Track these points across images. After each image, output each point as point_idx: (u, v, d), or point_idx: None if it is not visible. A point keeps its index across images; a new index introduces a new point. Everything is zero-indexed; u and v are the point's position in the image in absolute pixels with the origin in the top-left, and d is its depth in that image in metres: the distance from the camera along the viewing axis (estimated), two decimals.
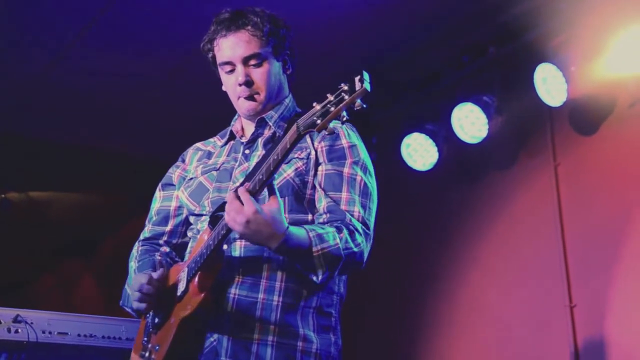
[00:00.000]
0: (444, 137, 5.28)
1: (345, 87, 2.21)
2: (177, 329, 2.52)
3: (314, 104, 2.26)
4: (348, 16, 4.95)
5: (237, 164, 2.74)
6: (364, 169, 2.69)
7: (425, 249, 5.63)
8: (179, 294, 2.57)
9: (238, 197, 2.33)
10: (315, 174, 2.64)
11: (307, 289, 2.57)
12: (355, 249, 2.52)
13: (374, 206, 2.70)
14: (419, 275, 5.62)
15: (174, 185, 2.93)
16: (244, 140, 2.80)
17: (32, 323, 4.04)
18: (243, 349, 2.49)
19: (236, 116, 2.88)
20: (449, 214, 5.52)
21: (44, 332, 4.09)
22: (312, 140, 2.68)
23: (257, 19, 2.70)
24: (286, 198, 2.59)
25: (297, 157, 2.64)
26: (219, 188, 2.71)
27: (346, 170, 2.64)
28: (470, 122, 5.01)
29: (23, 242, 8.24)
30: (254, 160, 2.69)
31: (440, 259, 5.50)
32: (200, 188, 2.77)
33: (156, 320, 2.65)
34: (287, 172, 2.57)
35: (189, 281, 2.53)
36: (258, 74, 2.71)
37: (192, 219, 2.81)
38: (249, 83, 2.70)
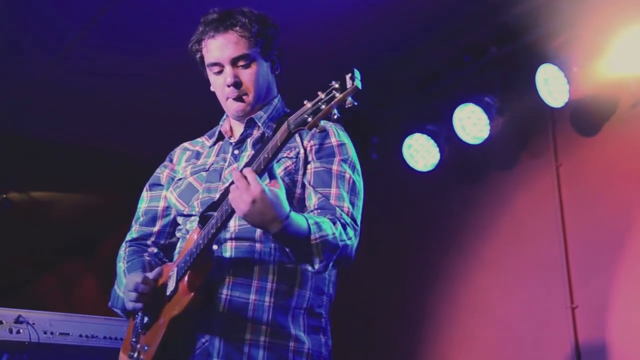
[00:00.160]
0: (445, 137, 5.28)
1: (337, 85, 2.21)
2: (167, 329, 2.51)
3: (305, 102, 2.26)
4: (349, 16, 4.94)
5: (227, 164, 2.75)
6: (352, 167, 2.71)
7: (427, 249, 5.62)
8: (168, 293, 2.56)
9: (244, 177, 2.31)
10: (304, 173, 2.65)
11: (298, 290, 2.58)
12: (348, 242, 2.53)
13: (361, 204, 2.71)
14: (420, 276, 5.62)
15: (162, 185, 2.92)
16: (232, 140, 2.81)
17: (33, 324, 4.05)
18: (235, 349, 2.48)
19: (224, 116, 2.89)
20: (450, 214, 5.52)
21: (45, 333, 4.10)
22: (302, 139, 2.69)
23: (245, 19, 2.70)
24: None
25: (287, 157, 2.65)
26: (208, 188, 2.71)
27: (335, 167, 2.66)
28: (471, 123, 5.01)
29: (24, 242, 8.25)
30: (243, 161, 2.70)
31: (441, 260, 5.50)
32: (190, 189, 2.77)
33: (145, 320, 2.64)
34: (276, 171, 2.55)
35: (178, 281, 2.53)
36: (246, 75, 2.71)
37: (180, 219, 2.80)
38: (237, 84, 2.70)
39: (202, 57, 2.79)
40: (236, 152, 2.76)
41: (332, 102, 2.20)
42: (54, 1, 4.79)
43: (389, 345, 5.73)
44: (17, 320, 4.05)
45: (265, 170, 2.36)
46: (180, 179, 2.85)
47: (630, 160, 4.45)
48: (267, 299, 2.53)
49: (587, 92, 4.46)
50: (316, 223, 2.43)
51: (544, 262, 4.80)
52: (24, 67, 5.49)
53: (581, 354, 4.47)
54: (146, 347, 2.58)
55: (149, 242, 2.89)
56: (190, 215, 2.72)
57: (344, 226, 2.53)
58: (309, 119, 2.23)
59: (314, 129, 2.24)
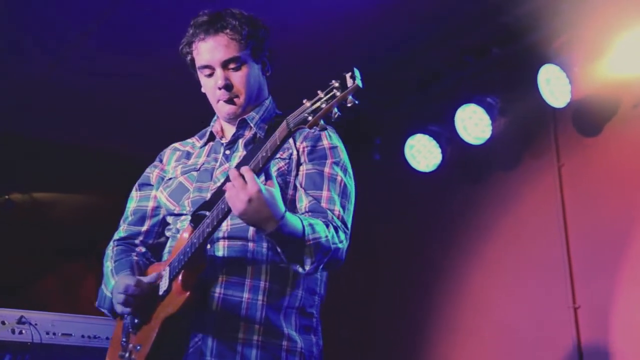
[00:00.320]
0: (447, 138, 5.29)
1: (336, 84, 2.21)
2: (160, 328, 2.51)
3: (304, 101, 2.26)
4: (351, 16, 4.94)
5: (218, 164, 2.76)
6: (344, 170, 2.72)
7: (428, 249, 5.62)
8: (161, 293, 2.56)
9: (241, 175, 2.32)
10: (296, 174, 2.66)
11: (290, 289, 2.59)
12: (340, 245, 2.55)
13: (352, 207, 2.72)
14: (422, 276, 5.61)
15: (152, 185, 2.93)
16: (224, 141, 2.82)
17: (36, 324, 4.06)
18: (228, 348, 2.49)
19: (215, 117, 2.89)
20: (452, 215, 5.51)
21: (48, 333, 4.11)
22: (295, 141, 2.70)
23: (235, 22, 2.71)
24: None
25: (280, 157, 2.66)
26: (199, 188, 2.72)
27: (327, 170, 2.67)
28: (473, 123, 5.01)
29: (25, 242, 8.24)
30: (235, 161, 2.71)
31: (443, 260, 5.50)
32: (181, 188, 2.77)
33: (136, 320, 2.63)
34: (272, 171, 2.56)
35: (171, 280, 2.53)
36: (237, 78, 2.72)
37: (170, 219, 2.80)
38: (228, 87, 2.71)
39: (192, 60, 2.80)
40: (227, 152, 2.77)
41: (333, 101, 2.21)
42: (54, 1, 4.79)
43: (390, 346, 5.73)
44: (20, 321, 4.06)
45: (263, 168, 2.36)
46: (170, 178, 2.85)
47: (632, 161, 4.45)
48: (260, 297, 2.54)
49: (589, 92, 4.46)
50: (310, 225, 2.44)
51: (546, 262, 4.80)
52: (25, 68, 5.48)
53: (583, 354, 4.47)
54: (138, 347, 2.57)
55: (137, 242, 2.89)
56: (180, 215, 2.73)
57: (335, 229, 2.55)
58: (309, 118, 2.23)
59: (314, 128, 2.25)
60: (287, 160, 2.66)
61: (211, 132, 2.87)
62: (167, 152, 2.98)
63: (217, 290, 2.53)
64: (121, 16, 4.90)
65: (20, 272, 9.39)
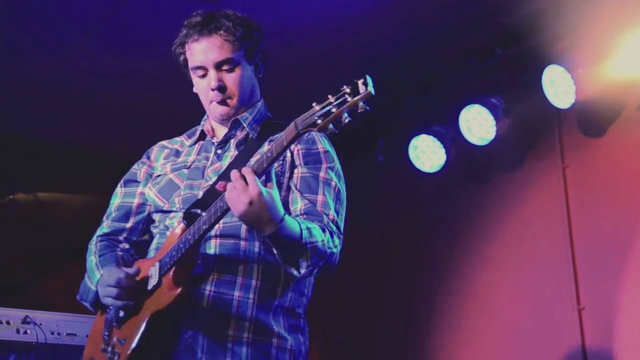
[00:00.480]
0: (451, 138, 5.28)
1: (348, 90, 2.22)
2: (149, 322, 2.51)
3: (314, 105, 2.26)
4: (355, 17, 4.95)
5: (209, 163, 2.76)
6: (338, 176, 2.74)
7: (432, 250, 5.62)
8: (149, 288, 2.56)
9: (243, 177, 2.32)
10: (290, 176, 2.67)
11: (281, 289, 2.59)
12: (334, 250, 2.56)
13: (344, 212, 2.74)
14: (426, 277, 5.61)
15: (138, 182, 2.92)
16: (215, 140, 2.82)
17: (41, 324, 4.06)
18: (219, 345, 2.50)
19: (205, 116, 2.90)
20: (456, 216, 5.51)
21: (52, 333, 4.11)
22: None
23: (229, 23, 2.71)
24: None
25: None
26: (190, 186, 2.72)
27: (322, 174, 2.68)
28: (477, 124, 5.01)
29: (29, 243, 8.25)
30: (227, 161, 2.72)
31: (447, 261, 5.50)
32: (170, 185, 2.77)
33: (121, 314, 2.62)
34: (272, 173, 2.56)
35: (162, 275, 2.53)
36: (230, 79, 2.72)
37: (158, 216, 2.80)
38: (221, 88, 2.72)
39: (185, 60, 2.80)
40: (219, 151, 2.78)
41: (344, 106, 2.22)
42: (55, 2, 4.80)
43: (394, 346, 5.73)
44: (24, 321, 4.07)
45: (267, 169, 2.37)
46: (159, 175, 2.85)
47: (636, 162, 4.44)
48: (251, 296, 2.54)
49: (593, 93, 4.46)
50: (308, 228, 2.46)
51: (550, 263, 4.80)
52: (24, 67, 5.49)
53: (587, 356, 4.47)
54: (123, 340, 2.56)
55: (120, 238, 2.88)
56: (170, 212, 2.72)
57: (331, 234, 2.56)
58: (319, 121, 2.24)
59: (322, 131, 2.26)
60: (281, 162, 2.67)
61: (202, 131, 2.87)
62: (155, 149, 2.98)
63: (208, 287, 2.53)
64: (123, 17, 4.91)
65: (24, 272, 9.40)
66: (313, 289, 2.78)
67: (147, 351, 2.52)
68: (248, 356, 2.50)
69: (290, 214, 2.60)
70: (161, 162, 2.89)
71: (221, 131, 2.82)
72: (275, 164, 2.60)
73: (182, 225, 2.55)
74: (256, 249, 2.57)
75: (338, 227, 2.64)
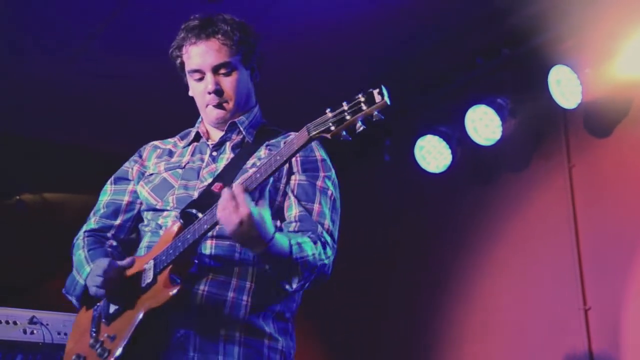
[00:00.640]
0: (457, 139, 5.28)
1: (362, 98, 2.24)
2: (143, 319, 2.50)
3: (327, 111, 2.28)
4: (361, 17, 4.95)
5: (204, 164, 2.77)
6: (335, 185, 2.76)
7: (438, 251, 5.62)
8: (143, 285, 2.55)
9: (234, 196, 2.34)
10: (287, 182, 2.69)
11: (274, 293, 2.60)
12: (326, 262, 2.58)
13: (339, 221, 2.76)
14: (432, 277, 5.61)
15: (129, 180, 2.92)
16: (210, 143, 2.83)
17: (47, 324, 4.07)
18: (211, 344, 2.50)
19: (199, 119, 2.90)
20: (462, 216, 5.51)
21: (59, 334, 4.12)
22: None
23: (227, 27, 2.73)
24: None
25: None
26: (185, 186, 2.72)
27: (319, 183, 2.70)
28: (484, 124, 5.01)
29: (36, 243, 8.26)
30: (222, 163, 2.73)
31: (453, 262, 5.49)
32: (164, 184, 2.78)
33: (111, 310, 2.62)
34: (266, 189, 2.58)
35: (157, 273, 2.53)
36: (227, 83, 2.74)
37: (149, 214, 2.79)
38: (218, 92, 2.73)
39: (182, 63, 2.82)
40: (214, 153, 2.79)
41: (359, 114, 2.24)
42: (55, 2, 4.81)
43: (399, 346, 5.73)
44: (31, 321, 4.08)
45: (276, 171, 2.40)
46: (152, 174, 2.85)
47: None
48: (244, 297, 2.56)
49: (599, 93, 4.45)
50: (298, 243, 2.49)
51: (556, 263, 4.79)
52: (24, 67, 5.49)
53: (594, 356, 4.46)
54: (113, 336, 2.55)
55: (108, 235, 2.87)
56: (163, 210, 2.73)
57: (323, 245, 2.58)
58: (332, 127, 2.26)
59: (335, 138, 2.28)
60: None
61: (197, 133, 2.88)
62: (147, 148, 2.99)
63: (202, 287, 2.54)
64: (124, 18, 4.92)
65: (31, 273, 9.41)
66: (302, 296, 2.80)
67: (139, 348, 2.51)
68: (240, 355, 2.51)
69: (284, 219, 2.64)
70: (154, 161, 2.89)
71: (216, 134, 2.83)
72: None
73: (178, 223, 2.56)
74: (251, 253, 2.56)
75: (332, 237, 2.66)
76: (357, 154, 6.10)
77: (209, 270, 2.56)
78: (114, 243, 2.85)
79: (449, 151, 5.29)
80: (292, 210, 2.64)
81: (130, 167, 2.95)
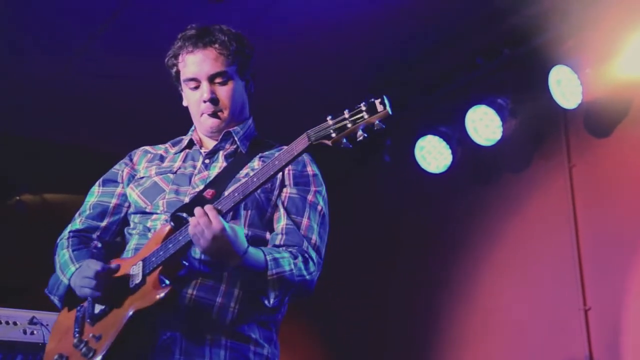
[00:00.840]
0: (457, 139, 5.28)
1: (364, 107, 2.28)
2: (130, 319, 2.49)
3: (328, 119, 2.31)
4: (362, 17, 4.95)
5: (197, 171, 2.77)
6: (325, 201, 2.78)
7: (438, 251, 5.62)
8: (132, 286, 2.54)
9: (206, 213, 2.36)
10: (278, 195, 2.70)
11: (261, 303, 2.59)
12: (308, 277, 2.59)
13: (326, 237, 2.77)
14: (432, 277, 5.61)
15: (118, 182, 2.90)
16: (204, 150, 2.83)
17: (47, 325, 4.06)
18: (197, 348, 2.50)
19: (192, 128, 2.90)
20: (462, 216, 5.51)
21: None
22: None
23: (224, 37, 2.74)
24: (249, 211, 2.64)
25: None
26: (176, 191, 2.72)
27: (310, 197, 2.72)
28: (484, 125, 5.01)
29: (36, 244, 8.23)
30: (215, 171, 2.73)
31: (453, 262, 5.50)
32: (155, 187, 2.77)
33: (96, 310, 2.61)
34: (254, 192, 2.57)
35: (146, 274, 2.52)
36: (223, 92, 2.75)
37: (137, 217, 2.78)
38: (214, 100, 2.74)
39: (177, 72, 2.82)
40: (207, 161, 2.79)
41: (360, 122, 2.28)
42: (56, 2, 4.81)
43: (400, 346, 5.73)
44: (31, 322, 4.08)
45: (272, 177, 2.43)
46: (142, 177, 2.84)
47: None
48: (232, 304, 2.56)
49: (600, 93, 4.46)
50: (274, 259, 2.50)
51: (556, 263, 4.79)
52: (24, 67, 5.49)
53: (594, 356, 4.46)
54: (99, 336, 2.54)
55: (93, 236, 2.85)
56: (152, 214, 2.72)
57: (306, 261, 2.59)
58: (334, 135, 2.30)
59: (336, 145, 2.31)
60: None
61: (190, 140, 2.88)
62: (138, 152, 2.98)
63: (190, 291, 2.54)
64: (125, 18, 4.92)
65: (31, 273, 9.39)
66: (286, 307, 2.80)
67: (125, 348, 2.51)
68: (226, 359, 2.52)
69: (273, 230, 2.65)
70: (144, 165, 2.89)
71: (210, 143, 2.84)
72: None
73: (169, 226, 2.56)
74: (226, 268, 2.55)
75: (318, 253, 2.67)
76: (357, 161, 6.11)
77: (198, 274, 2.56)
78: (99, 244, 2.84)
79: (449, 151, 5.30)
80: (281, 222, 2.66)
81: (121, 169, 2.94)
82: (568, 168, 4.82)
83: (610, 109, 4.54)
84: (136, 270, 2.56)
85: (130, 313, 2.48)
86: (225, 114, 2.76)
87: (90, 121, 6.22)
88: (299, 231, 2.64)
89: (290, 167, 2.71)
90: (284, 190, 2.71)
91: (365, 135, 2.29)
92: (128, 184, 2.86)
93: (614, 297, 4.43)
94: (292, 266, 2.53)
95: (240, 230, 2.43)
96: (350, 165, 6.08)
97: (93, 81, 5.63)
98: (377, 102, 2.27)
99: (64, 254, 2.78)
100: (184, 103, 2.88)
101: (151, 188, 2.77)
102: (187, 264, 2.55)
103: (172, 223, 2.56)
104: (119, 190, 2.89)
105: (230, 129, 2.79)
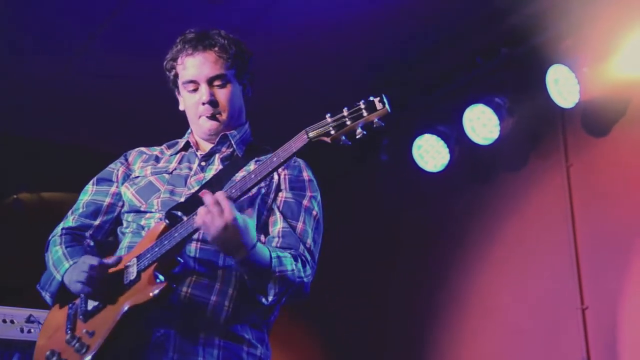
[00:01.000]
0: (455, 138, 5.28)
1: (363, 105, 2.29)
2: (125, 315, 2.47)
3: (327, 116, 2.33)
4: (360, 17, 4.96)
5: (192, 172, 2.78)
6: (320, 206, 2.79)
7: (436, 250, 5.62)
8: (126, 282, 2.54)
9: (218, 202, 2.36)
10: (274, 199, 2.71)
11: (255, 302, 2.58)
12: (305, 280, 2.59)
13: (320, 242, 2.78)
14: (430, 277, 5.61)
15: (113, 181, 2.90)
16: (200, 153, 2.84)
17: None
18: (191, 346, 2.50)
19: (189, 131, 2.91)
20: (460, 215, 5.51)
21: None
22: None
23: (224, 41, 2.76)
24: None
25: None
26: (172, 191, 2.72)
27: (305, 202, 2.73)
28: (481, 124, 5.01)
29: (33, 242, 8.24)
30: (211, 173, 2.74)
31: (451, 261, 5.50)
32: (150, 187, 2.77)
33: (89, 307, 2.60)
34: (251, 190, 2.58)
35: (140, 271, 2.52)
36: (222, 95, 2.76)
37: (130, 216, 2.78)
38: (213, 103, 2.75)
39: (176, 75, 2.83)
40: (203, 163, 2.80)
41: (359, 120, 2.30)
42: (56, 2, 4.82)
43: (397, 346, 5.73)
44: (28, 320, 4.08)
45: (271, 173, 2.43)
46: (137, 176, 2.85)
47: None
48: (227, 303, 2.56)
49: (597, 92, 4.46)
50: (278, 257, 2.50)
51: (554, 262, 4.79)
52: (24, 67, 5.50)
53: (591, 355, 4.46)
54: (92, 332, 2.53)
55: (86, 235, 2.84)
56: (146, 212, 2.72)
57: (303, 263, 2.60)
58: (333, 132, 2.31)
59: (334, 142, 2.32)
60: (267, 182, 2.69)
61: (187, 142, 2.88)
62: (133, 153, 2.98)
63: (185, 289, 2.54)
64: (125, 18, 4.93)
65: (28, 272, 9.39)
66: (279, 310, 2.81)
67: (118, 344, 2.50)
68: (220, 358, 2.52)
69: (268, 234, 2.66)
70: (139, 165, 2.89)
71: (206, 145, 2.85)
72: (262, 183, 2.62)
73: (164, 223, 2.56)
74: (232, 259, 2.55)
75: (313, 256, 2.67)
76: (357, 159, 6.11)
77: (193, 272, 2.56)
78: (91, 243, 2.83)
79: (447, 150, 5.30)
80: (277, 225, 2.67)
81: (116, 168, 2.94)
82: (565, 167, 4.82)
83: (607, 108, 4.54)
84: (130, 267, 2.56)
85: (125, 308, 2.47)
86: (224, 116, 2.77)
87: (90, 121, 6.23)
88: (295, 234, 2.65)
89: (286, 172, 2.74)
90: (280, 194, 2.72)
91: (364, 132, 2.31)
92: (123, 183, 2.86)
93: (611, 296, 4.43)
94: (294, 266, 2.54)
95: (251, 223, 2.42)
96: (348, 165, 6.09)
97: (93, 81, 5.64)
98: (377, 100, 2.28)
99: (57, 250, 2.77)
100: (181, 107, 2.89)
101: (146, 187, 2.78)
102: (182, 260, 2.54)
103: (166, 221, 2.56)
104: (113, 189, 2.88)
105: (227, 132, 2.80)
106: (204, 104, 2.75)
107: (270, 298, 2.51)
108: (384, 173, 5.95)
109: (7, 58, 5.38)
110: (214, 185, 2.63)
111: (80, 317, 2.61)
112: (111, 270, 2.58)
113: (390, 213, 5.95)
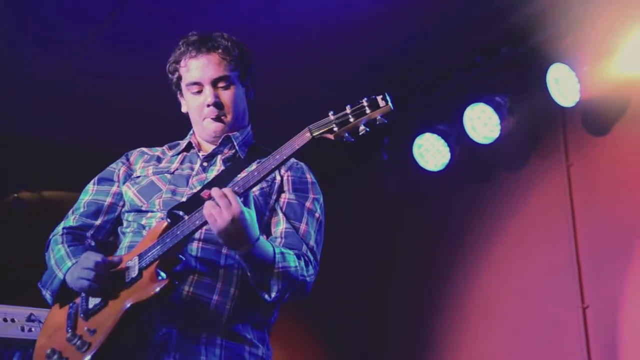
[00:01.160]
0: (455, 137, 5.29)
1: (366, 103, 2.30)
2: (127, 312, 2.47)
3: (330, 114, 2.34)
4: (361, 16, 4.96)
5: (194, 172, 2.78)
6: (322, 209, 2.80)
7: (436, 249, 5.62)
8: (127, 280, 2.54)
9: (225, 195, 2.37)
10: (277, 200, 2.72)
11: (257, 302, 2.59)
12: (308, 279, 2.60)
13: (322, 244, 2.79)
14: (430, 276, 5.61)
15: (114, 181, 2.90)
16: (202, 154, 2.84)
17: None
18: (192, 345, 2.50)
19: (191, 132, 2.91)
20: (460, 214, 5.51)
21: None
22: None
23: (227, 43, 2.77)
24: None
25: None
26: (173, 191, 2.72)
27: (308, 204, 2.74)
28: (482, 123, 5.01)
29: (34, 241, 8.24)
30: (213, 174, 2.74)
31: (451, 260, 5.49)
32: (152, 186, 2.77)
33: (90, 305, 2.59)
34: (253, 190, 2.58)
35: (142, 269, 2.51)
36: (226, 96, 2.77)
37: (131, 215, 2.78)
38: (218, 104, 2.75)
39: (179, 77, 2.83)
40: (205, 164, 2.80)
41: (362, 117, 2.31)
42: (56, 2, 4.82)
43: (398, 345, 5.73)
44: (29, 319, 4.08)
45: (273, 171, 2.43)
46: (139, 176, 2.85)
47: None
48: (228, 302, 2.56)
49: (598, 91, 4.46)
50: (281, 253, 2.51)
51: (554, 261, 4.79)
52: (24, 67, 5.50)
53: (592, 354, 4.46)
54: (93, 331, 2.52)
55: (87, 234, 2.83)
56: (147, 212, 2.72)
57: (306, 262, 2.61)
58: (336, 129, 2.32)
59: (338, 138, 2.33)
60: (269, 182, 2.71)
61: (189, 143, 2.89)
62: (135, 153, 2.98)
63: (186, 288, 2.54)
64: (125, 18, 4.93)
65: (29, 271, 9.39)
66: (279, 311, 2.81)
67: (120, 342, 2.49)
68: (222, 358, 2.52)
69: (271, 235, 2.66)
70: (141, 165, 2.89)
71: (208, 147, 2.85)
72: (264, 184, 2.66)
73: (165, 222, 2.56)
74: (238, 257, 2.56)
75: (315, 257, 2.68)
76: (360, 156, 6.12)
77: (195, 271, 2.56)
78: (92, 243, 2.82)
79: (448, 149, 5.30)
80: (280, 226, 2.67)
81: (117, 168, 2.93)
82: (566, 166, 4.82)
83: (608, 107, 4.54)
84: (132, 265, 2.55)
85: (127, 306, 2.47)
86: (228, 118, 2.78)
87: (90, 121, 6.23)
88: (298, 235, 2.66)
89: (289, 173, 2.75)
90: (283, 195, 2.72)
91: (367, 129, 2.31)
92: (124, 183, 2.86)
93: (612, 295, 4.43)
94: (297, 264, 2.55)
95: (254, 217, 2.43)
96: (348, 164, 6.09)
97: (93, 81, 5.64)
98: (379, 98, 2.29)
99: (59, 249, 2.76)
100: (183, 109, 2.89)
101: (148, 187, 2.78)
102: (183, 258, 2.54)
103: (168, 220, 2.56)
104: (114, 189, 2.88)
105: (230, 134, 2.80)
106: (208, 105, 2.75)
107: (273, 294, 2.51)
108: (384, 172, 5.95)
109: (7, 58, 5.38)
110: (215, 185, 2.61)
111: (81, 315, 2.60)
112: (113, 268, 2.58)
113: (390, 212, 5.95)
